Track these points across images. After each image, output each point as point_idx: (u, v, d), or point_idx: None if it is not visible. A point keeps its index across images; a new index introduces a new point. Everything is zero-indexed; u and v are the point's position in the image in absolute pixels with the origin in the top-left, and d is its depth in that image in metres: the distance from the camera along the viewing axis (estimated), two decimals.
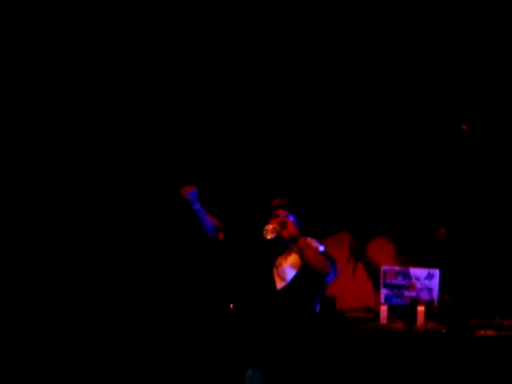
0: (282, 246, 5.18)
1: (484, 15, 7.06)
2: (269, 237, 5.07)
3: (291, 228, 5.09)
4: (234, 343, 6.11)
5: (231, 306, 5.81)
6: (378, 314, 6.35)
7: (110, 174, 7.47)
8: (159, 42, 7.47)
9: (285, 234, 5.08)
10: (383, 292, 6.33)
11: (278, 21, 7.33)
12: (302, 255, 5.04)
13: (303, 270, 5.14)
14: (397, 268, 6.39)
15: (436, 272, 6.31)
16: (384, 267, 6.38)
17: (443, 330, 6.12)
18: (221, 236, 5.30)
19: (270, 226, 5.10)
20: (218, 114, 7.58)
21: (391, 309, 6.32)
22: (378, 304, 6.42)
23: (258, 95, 7.59)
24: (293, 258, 5.17)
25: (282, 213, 5.19)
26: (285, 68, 7.51)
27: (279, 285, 5.15)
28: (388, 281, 6.34)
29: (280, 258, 5.20)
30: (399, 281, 6.32)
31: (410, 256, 6.95)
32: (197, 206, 5.25)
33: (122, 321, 7.16)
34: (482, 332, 6.06)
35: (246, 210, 7.00)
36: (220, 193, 7.14)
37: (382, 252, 7.14)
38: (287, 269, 5.15)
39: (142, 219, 7.42)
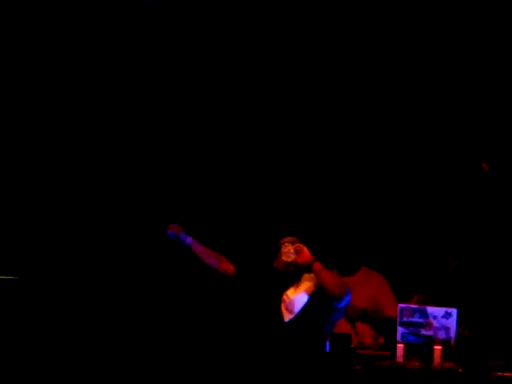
0: (289, 281, 5.20)
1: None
2: (285, 259, 5.11)
3: (306, 253, 5.15)
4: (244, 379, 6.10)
5: None
6: (394, 351, 6.29)
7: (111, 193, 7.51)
8: (159, 43, 7.51)
9: (301, 259, 5.14)
10: (400, 330, 6.27)
11: (278, 21, 7.37)
12: (318, 278, 5.07)
13: (313, 300, 5.15)
14: (414, 306, 6.34)
15: (454, 311, 6.25)
16: (401, 305, 6.34)
17: (460, 370, 6.04)
18: (231, 269, 5.31)
19: (286, 249, 5.13)
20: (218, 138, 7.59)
21: (407, 347, 6.26)
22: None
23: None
24: (304, 286, 5.19)
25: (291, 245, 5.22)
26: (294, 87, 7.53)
27: (286, 318, 5.16)
28: (405, 319, 6.28)
29: (288, 292, 5.22)
30: (416, 319, 6.27)
31: (427, 294, 6.89)
32: (188, 241, 5.25)
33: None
34: (500, 373, 5.98)
35: (252, 246, 7.00)
36: (225, 231, 7.15)
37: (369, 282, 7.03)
38: (295, 300, 5.17)
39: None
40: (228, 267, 5.36)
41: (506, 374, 5.97)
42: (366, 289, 6.85)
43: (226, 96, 7.63)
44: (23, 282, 7.08)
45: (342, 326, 6.54)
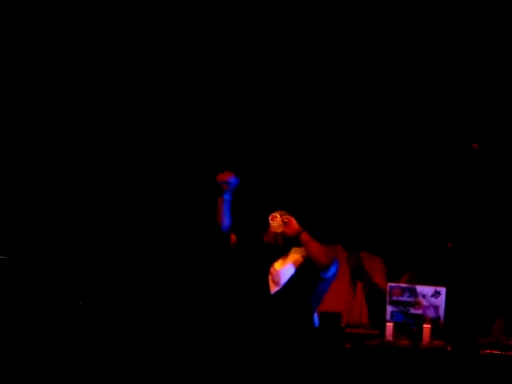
0: (278, 254, 5.25)
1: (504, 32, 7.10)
2: (274, 231, 5.16)
3: (294, 225, 5.19)
4: (230, 351, 6.14)
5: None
6: (383, 330, 6.34)
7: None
8: (161, 42, 7.53)
9: (289, 231, 5.18)
10: (389, 309, 6.31)
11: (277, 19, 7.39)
12: (305, 248, 5.11)
13: (300, 272, 5.18)
14: (403, 285, 6.38)
15: (443, 290, 6.29)
16: (390, 284, 6.38)
17: (449, 348, 6.09)
18: (233, 238, 5.35)
19: (274, 221, 5.19)
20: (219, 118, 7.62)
21: (397, 326, 6.30)
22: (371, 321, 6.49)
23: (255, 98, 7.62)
24: (292, 259, 5.23)
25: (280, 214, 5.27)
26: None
27: (273, 290, 5.20)
28: (394, 298, 6.33)
29: (275, 264, 5.26)
30: (405, 298, 6.31)
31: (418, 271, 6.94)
32: (228, 196, 5.30)
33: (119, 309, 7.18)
34: (488, 351, 6.03)
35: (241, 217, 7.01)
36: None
37: (370, 266, 7.11)
38: (281, 272, 5.21)
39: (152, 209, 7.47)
40: (232, 236, 5.41)
41: (493, 352, 6.02)
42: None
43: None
44: (14, 262, 7.13)
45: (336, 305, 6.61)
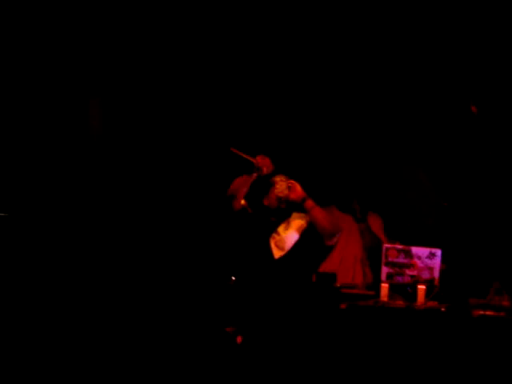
0: (279, 218, 5.26)
1: None
2: (279, 195, 5.18)
3: (299, 190, 5.20)
4: (233, 314, 6.19)
5: (232, 278, 5.87)
6: (378, 291, 6.39)
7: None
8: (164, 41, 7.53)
9: (293, 195, 5.19)
10: (384, 270, 6.36)
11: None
12: (310, 215, 5.12)
13: (304, 238, 5.20)
14: (399, 246, 6.42)
15: (438, 251, 6.33)
16: (386, 245, 6.42)
17: (443, 309, 6.15)
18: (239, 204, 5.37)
19: (279, 186, 5.20)
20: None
21: (392, 287, 6.35)
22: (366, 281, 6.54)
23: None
24: (296, 224, 5.24)
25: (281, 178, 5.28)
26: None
27: (277, 255, 5.22)
28: (390, 259, 6.37)
29: (279, 229, 5.27)
30: (401, 259, 6.36)
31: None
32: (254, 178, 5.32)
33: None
34: (481, 312, 6.09)
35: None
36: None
37: (374, 225, 7.18)
38: (286, 238, 5.23)
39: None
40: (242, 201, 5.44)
41: (487, 313, 6.08)
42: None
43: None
44: (13, 219, 7.17)
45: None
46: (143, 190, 7.60)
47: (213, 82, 7.66)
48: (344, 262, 7.05)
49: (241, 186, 5.29)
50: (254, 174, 5.29)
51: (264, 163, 5.26)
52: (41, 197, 7.45)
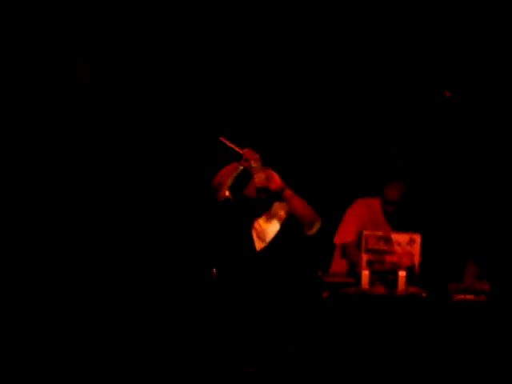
0: (260, 208, 5.27)
1: None
2: (258, 185, 5.18)
3: (277, 180, 5.21)
4: (216, 307, 6.19)
5: (213, 270, 5.87)
6: (359, 278, 6.41)
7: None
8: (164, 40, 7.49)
9: (272, 185, 5.20)
10: (364, 257, 6.38)
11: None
12: (289, 205, 5.14)
13: (285, 228, 5.22)
14: (378, 233, 6.44)
15: (417, 237, 6.37)
16: (365, 232, 6.43)
17: (423, 295, 6.19)
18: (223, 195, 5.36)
19: (258, 176, 5.20)
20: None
21: (372, 274, 6.37)
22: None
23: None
24: (276, 215, 5.25)
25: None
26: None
27: (259, 246, 5.23)
28: (369, 246, 6.39)
29: (259, 220, 5.28)
30: (381, 246, 6.38)
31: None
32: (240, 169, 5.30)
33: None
34: (462, 296, 6.15)
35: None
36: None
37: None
38: (267, 229, 5.24)
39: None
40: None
41: (467, 297, 6.14)
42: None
43: None
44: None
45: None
46: (125, 166, 7.52)
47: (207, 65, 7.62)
48: None
49: (226, 176, 5.29)
50: (241, 167, 5.28)
51: (252, 156, 5.25)
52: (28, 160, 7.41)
